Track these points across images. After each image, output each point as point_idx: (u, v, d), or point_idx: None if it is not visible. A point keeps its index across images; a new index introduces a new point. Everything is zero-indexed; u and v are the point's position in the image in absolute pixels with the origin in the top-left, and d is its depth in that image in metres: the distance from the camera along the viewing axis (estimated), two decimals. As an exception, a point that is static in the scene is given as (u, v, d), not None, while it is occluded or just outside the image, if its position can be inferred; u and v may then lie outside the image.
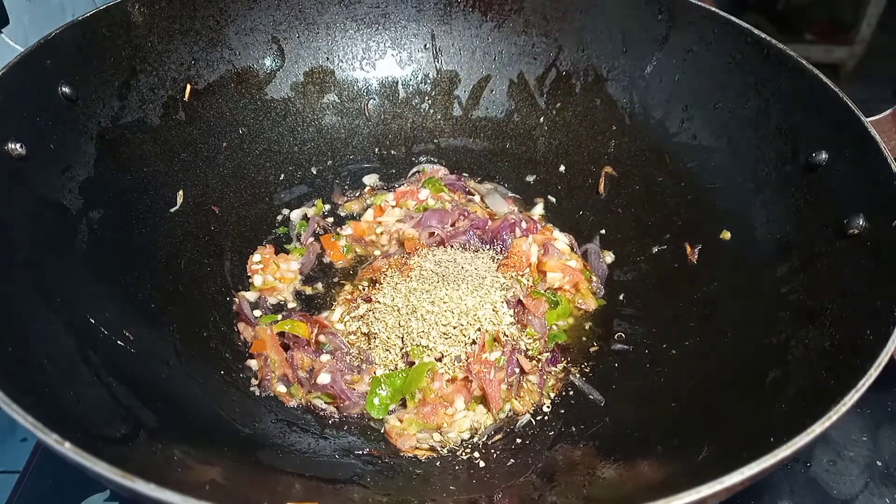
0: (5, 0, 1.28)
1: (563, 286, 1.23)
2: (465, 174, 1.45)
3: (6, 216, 0.90)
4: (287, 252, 1.31)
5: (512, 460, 1.01)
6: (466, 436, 1.06)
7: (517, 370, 1.10)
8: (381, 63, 1.46)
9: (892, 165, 0.92)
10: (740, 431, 0.85)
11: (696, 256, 1.20)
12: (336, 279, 1.29)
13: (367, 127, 1.46)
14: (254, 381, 1.10)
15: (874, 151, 0.95)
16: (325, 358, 1.12)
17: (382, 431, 1.06)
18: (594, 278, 1.28)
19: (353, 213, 1.41)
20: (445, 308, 1.13)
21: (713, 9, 1.20)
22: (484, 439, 1.05)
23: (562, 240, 1.32)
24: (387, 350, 1.13)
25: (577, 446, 1.01)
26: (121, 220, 1.10)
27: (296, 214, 1.37)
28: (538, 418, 1.08)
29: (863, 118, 0.98)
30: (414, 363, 1.10)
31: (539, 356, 1.15)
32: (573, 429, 1.04)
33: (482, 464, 1.01)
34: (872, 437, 1.13)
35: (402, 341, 1.13)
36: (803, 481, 1.08)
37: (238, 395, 1.07)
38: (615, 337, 1.18)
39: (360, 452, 1.01)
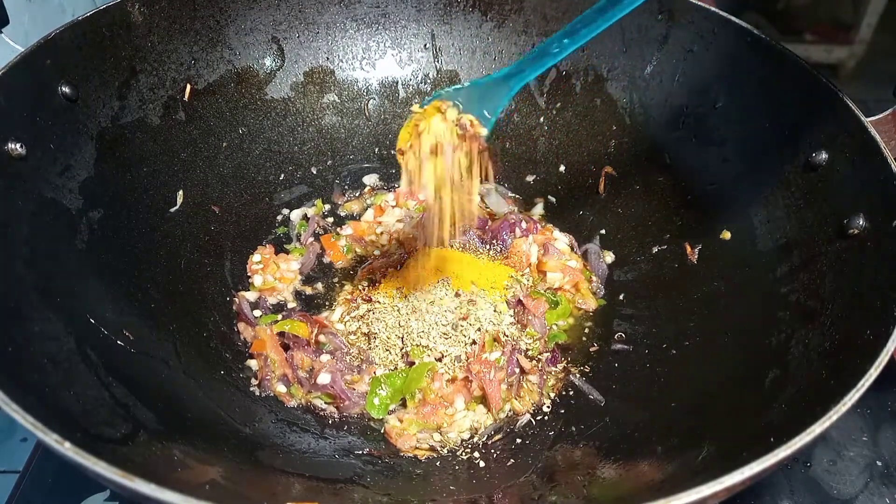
0: (5, 0, 1.28)
1: (563, 286, 1.23)
2: (465, 174, 1.45)
3: (6, 216, 0.90)
4: (287, 252, 1.31)
5: (512, 460, 1.01)
6: (466, 436, 1.06)
7: (517, 370, 1.10)
8: (381, 63, 1.46)
9: (892, 165, 0.92)
10: (740, 431, 0.85)
11: (696, 256, 1.20)
12: (336, 279, 1.29)
13: (367, 127, 1.46)
14: (254, 381, 1.10)
15: (874, 151, 0.95)
16: (325, 358, 1.12)
17: (382, 431, 1.06)
18: (594, 278, 1.28)
19: (353, 213, 1.41)
20: (445, 308, 1.13)
21: (713, 9, 1.20)
22: (484, 439, 1.05)
23: (562, 240, 1.32)
24: (387, 350, 1.13)
25: (577, 446, 1.01)
26: (121, 220, 1.10)
27: (296, 214, 1.37)
28: (538, 418, 1.08)
29: (863, 118, 0.98)
30: (414, 363, 1.10)
31: (539, 356, 1.15)
32: (573, 429, 1.04)
33: (482, 464, 1.01)
34: (872, 437, 1.13)
35: (402, 341, 1.13)
36: (803, 481, 1.07)
37: (238, 395, 1.07)
38: (615, 337, 1.18)
39: (360, 452, 1.01)
